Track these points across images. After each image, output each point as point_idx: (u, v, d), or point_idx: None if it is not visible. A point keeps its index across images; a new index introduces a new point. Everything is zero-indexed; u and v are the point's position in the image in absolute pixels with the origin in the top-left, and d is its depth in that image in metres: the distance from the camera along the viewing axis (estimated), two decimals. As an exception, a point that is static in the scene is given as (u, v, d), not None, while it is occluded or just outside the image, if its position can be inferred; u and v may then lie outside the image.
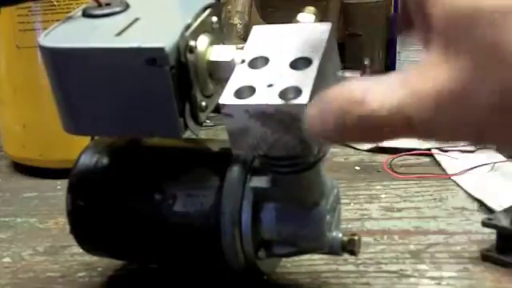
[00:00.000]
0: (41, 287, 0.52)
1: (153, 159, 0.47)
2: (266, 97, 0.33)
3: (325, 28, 0.37)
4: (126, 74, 0.39)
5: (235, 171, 0.43)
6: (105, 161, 0.48)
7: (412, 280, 0.49)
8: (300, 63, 0.35)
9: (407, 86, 0.26)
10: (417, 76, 0.26)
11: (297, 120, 0.32)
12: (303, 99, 0.32)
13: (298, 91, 0.33)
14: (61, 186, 0.75)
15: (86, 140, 0.77)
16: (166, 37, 0.38)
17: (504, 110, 0.24)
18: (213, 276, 0.50)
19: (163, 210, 0.44)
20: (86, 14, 0.43)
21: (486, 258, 0.51)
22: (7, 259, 0.56)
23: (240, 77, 0.36)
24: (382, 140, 0.28)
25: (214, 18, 0.43)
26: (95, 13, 0.43)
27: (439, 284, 0.48)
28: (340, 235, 0.44)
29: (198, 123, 0.42)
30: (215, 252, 0.44)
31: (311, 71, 0.34)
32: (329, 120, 0.28)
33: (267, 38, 0.38)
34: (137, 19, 0.41)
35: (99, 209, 0.47)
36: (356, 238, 0.44)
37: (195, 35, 0.40)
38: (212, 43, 0.41)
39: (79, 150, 0.77)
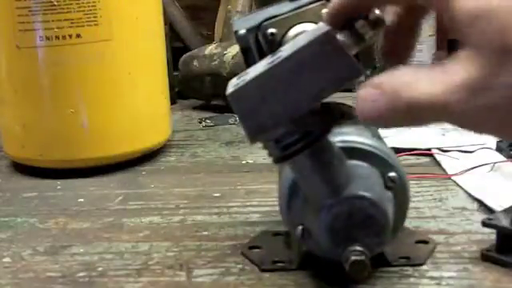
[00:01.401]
0: (41, 287, 0.52)
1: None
2: (235, 83, 0.38)
3: (318, 30, 0.36)
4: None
5: None
6: None
7: (412, 280, 0.49)
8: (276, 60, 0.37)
9: (445, 75, 0.29)
10: (450, 67, 0.29)
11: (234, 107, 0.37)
12: (230, 90, 0.37)
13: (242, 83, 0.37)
14: (61, 185, 0.75)
15: (86, 140, 0.78)
16: (250, 24, 0.46)
17: None
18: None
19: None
20: None
21: (486, 257, 0.51)
22: (7, 259, 0.56)
23: (255, 65, 0.39)
24: (424, 123, 0.31)
25: (325, 10, 0.44)
26: None
27: (439, 284, 0.48)
28: (355, 250, 0.43)
29: None
30: None
31: (264, 68, 0.36)
32: (381, 102, 0.31)
33: (300, 35, 0.40)
34: (293, 7, 0.48)
35: None
36: (359, 259, 0.43)
37: (284, 24, 0.45)
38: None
39: (79, 149, 0.77)
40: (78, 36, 0.74)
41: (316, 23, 0.44)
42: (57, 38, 0.74)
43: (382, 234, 0.44)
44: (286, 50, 0.37)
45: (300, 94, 0.36)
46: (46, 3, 0.73)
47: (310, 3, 0.46)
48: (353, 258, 0.43)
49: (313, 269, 0.50)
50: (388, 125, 0.33)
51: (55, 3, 0.73)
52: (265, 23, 0.45)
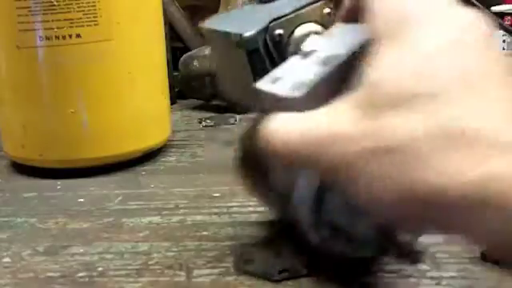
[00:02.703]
0: (41, 287, 0.52)
1: None
2: (280, 86, 0.36)
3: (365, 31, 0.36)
4: (228, 53, 0.47)
5: None
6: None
7: (412, 280, 0.49)
8: (330, 59, 0.36)
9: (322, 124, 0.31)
10: (325, 114, 0.31)
11: (296, 111, 0.34)
12: (297, 93, 0.34)
13: (302, 86, 0.35)
14: (61, 185, 0.75)
15: (86, 140, 0.78)
16: (254, 24, 0.44)
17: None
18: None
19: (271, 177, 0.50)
20: (258, 0, 0.49)
21: (486, 257, 0.50)
22: (7, 259, 0.56)
23: (285, 66, 0.38)
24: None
25: (327, 10, 0.45)
26: None
27: (439, 284, 0.48)
28: (406, 240, 0.44)
29: None
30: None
31: (326, 69, 0.35)
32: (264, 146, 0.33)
33: (335, 33, 0.39)
34: (276, 8, 0.47)
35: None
36: (417, 247, 0.44)
37: (290, 25, 0.44)
38: (316, 33, 0.44)
39: (79, 149, 0.77)
40: (78, 36, 0.74)
41: (318, 23, 0.44)
42: (57, 38, 0.74)
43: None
44: (325, 50, 0.37)
45: None
46: (45, 3, 0.73)
47: (312, 3, 0.45)
48: (413, 246, 0.44)
49: (316, 273, 0.50)
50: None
51: (55, 3, 0.73)
52: (272, 24, 0.44)
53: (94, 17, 0.74)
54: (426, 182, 0.27)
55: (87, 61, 0.75)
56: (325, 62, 0.35)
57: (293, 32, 0.44)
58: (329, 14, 0.45)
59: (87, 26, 0.74)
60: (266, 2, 0.48)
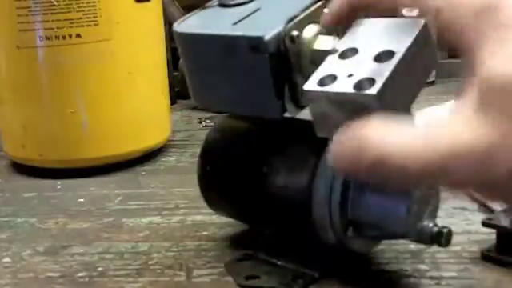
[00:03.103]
0: (41, 287, 0.52)
1: (264, 135, 0.52)
2: (342, 86, 0.35)
3: (416, 23, 0.36)
4: (235, 59, 0.44)
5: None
6: (226, 135, 0.55)
7: (412, 280, 0.49)
8: (384, 56, 0.35)
9: (429, 137, 0.27)
10: (444, 128, 0.27)
11: (367, 110, 0.33)
12: (373, 90, 0.33)
13: (372, 82, 0.34)
14: (61, 185, 0.75)
15: (86, 140, 0.78)
16: (269, 27, 0.43)
17: None
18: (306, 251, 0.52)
19: (269, 181, 0.49)
20: (220, 4, 0.48)
21: (486, 258, 0.51)
22: (7, 259, 0.56)
23: (327, 66, 0.37)
24: (399, 186, 0.29)
25: (326, 10, 0.44)
26: (228, 2, 0.48)
27: (439, 284, 0.48)
28: (431, 225, 0.45)
29: (299, 106, 0.46)
30: (308, 226, 0.48)
31: (390, 64, 0.34)
32: (344, 158, 0.29)
33: (364, 30, 0.39)
34: (258, 9, 0.46)
35: (220, 174, 0.54)
36: (445, 230, 0.45)
37: (301, 25, 0.44)
38: (321, 33, 0.43)
39: (79, 149, 0.77)
40: (78, 36, 0.74)
41: (318, 23, 0.43)
42: (57, 38, 0.74)
43: (435, 213, 0.47)
44: (369, 47, 0.36)
45: (415, 88, 0.36)
46: (45, 3, 0.73)
47: (314, 3, 0.45)
48: (442, 229, 0.45)
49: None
50: (357, 177, 0.32)
51: (55, 3, 0.73)
52: (289, 26, 0.43)
53: (94, 17, 0.74)
54: None
55: (87, 61, 0.75)
56: (379, 58, 0.35)
57: (301, 33, 0.43)
58: None
59: (87, 25, 0.74)
60: (228, 6, 0.47)
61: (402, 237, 0.47)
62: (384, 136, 0.28)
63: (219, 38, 0.45)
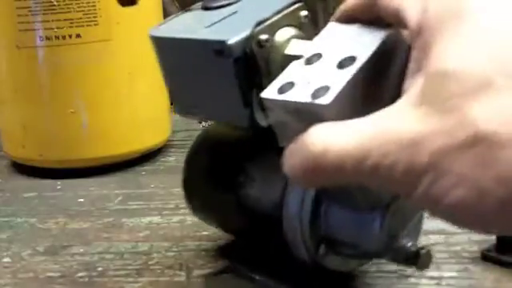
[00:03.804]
0: (41, 287, 0.52)
1: (243, 142, 0.51)
2: (298, 94, 0.33)
3: (385, 28, 0.34)
4: (202, 63, 0.43)
5: None
6: (210, 141, 0.54)
7: (412, 280, 0.49)
8: (346, 62, 0.33)
9: (373, 128, 0.27)
10: (383, 118, 0.27)
11: (322, 119, 0.31)
12: (326, 99, 0.31)
13: (328, 91, 0.32)
14: (61, 186, 0.75)
15: (85, 140, 0.78)
16: (236, 30, 0.41)
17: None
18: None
19: (244, 191, 0.48)
20: (203, 7, 0.47)
21: (486, 258, 0.51)
22: (7, 259, 0.56)
23: (289, 72, 0.35)
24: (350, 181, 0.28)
25: (304, 13, 0.43)
26: (210, 5, 0.46)
27: (439, 284, 0.48)
28: (409, 244, 0.42)
29: None
30: (281, 241, 0.45)
31: (349, 71, 0.32)
32: (293, 167, 0.29)
33: (335, 34, 0.36)
34: (234, 12, 0.44)
35: (202, 182, 0.53)
36: (423, 252, 0.41)
37: (273, 28, 0.41)
38: (296, 37, 0.42)
39: (78, 149, 0.77)
40: (78, 36, 0.74)
41: (295, 26, 0.42)
42: (57, 38, 0.74)
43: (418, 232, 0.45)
44: (334, 52, 0.34)
45: (384, 98, 0.33)
46: (45, 3, 0.73)
47: (288, 6, 0.42)
48: (420, 250, 0.42)
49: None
50: (306, 186, 0.32)
51: (55, 3, 0.73)
52: (257, 29, 0.40)
53: (94, 17, 0.74)
54: None
55: (87, 61, 0.75)
56: (340, 65, 0.33)
57: (273, 37, 0.41)
58: (306, 17, 0.43)
59: (87, 25, 0.74)
60: (210, 9, 0.46)
61: (377, 255, 0.44)
62: (326, 139, 0.28)
63: (186, 41, 0.43)
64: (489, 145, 0.24)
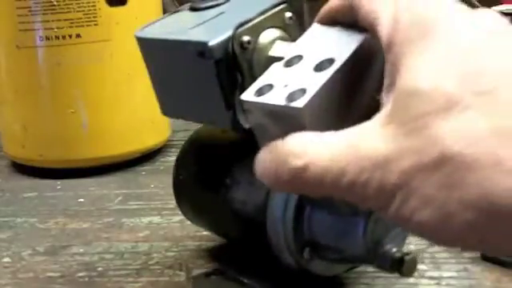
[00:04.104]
0: (41, 287, 0.52)
1: (230, 144, 0.51)
2: (275, 97, 0.32)
3: (363, 33, 0.34)
4: (185, 65, 0.42)
5: None
6: (200, 143, 0.55)
7: (411, 280, 0.49)
8: (324, 64, 0.33)
9: (348, 144, 0.27)
10: (357, 135, 0.27)
11: (298, 122, 0.31)
12: (300, 102, 0.31)
13: (303, 93, 0.31)
14: (61, 186, 0.75)
15: (85, 140, 0.78)
16: (218, 31, 0.40)
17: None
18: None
19: (231, 193, 0.48)
20: (191, 8, 0.46)
21: (486, 258, 0.51)
22: (7, 259, 0.56)
23: (269, 74, 0.35)
24: (321, 195, 0.28)
25: (288, 14, 0.42)
26: (197, 6, 0.46)
27: (439, 284, 0.48)
28: (394, 250, 0.42)
29: None
30: (267, 245, 0.45)
31: (326, 74, 0.32)
32: (264, 172, 0.30)
33: (316, 36, 0.36)
34: (221, 13, 0.44)
35: (191, 184, 0.53)
36: (408, 258, 0.41)
37: (257, 30, 0.41)
38: (281, 38, 0.41)
39: (78, 149, 0.77)
40: (78, 36, 0.74)
41: (280, 28, 0.41)
42: (57, 38, 0.74)
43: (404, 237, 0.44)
44: (313, 55, 0.34)
45: (363, 102, 0.33)
46: (45, 3, 0.73)
47: (272, 7, 0.42)
48: (405, 256, 0.41)
49: None
50: (278, 190, 0.31)
51: (55, 3, 0.73)
52: (239, 30, 0.40)
53: (94, 17, 0.74)
54: (508, 189, 0.23)
55: (87, 61, 0.75)
56: (318, 67, 0.33)
57: (257, 38, 0.40)
58: (290, 18, 0.42)
59: (87, 25, 0.74)
60: (198, 10, 0.45)
61: (362, 261, 0.44)
62: (306, 153, 0.28)
63: (169, 42, 0.43)
64: (456, 166, 0.24)
